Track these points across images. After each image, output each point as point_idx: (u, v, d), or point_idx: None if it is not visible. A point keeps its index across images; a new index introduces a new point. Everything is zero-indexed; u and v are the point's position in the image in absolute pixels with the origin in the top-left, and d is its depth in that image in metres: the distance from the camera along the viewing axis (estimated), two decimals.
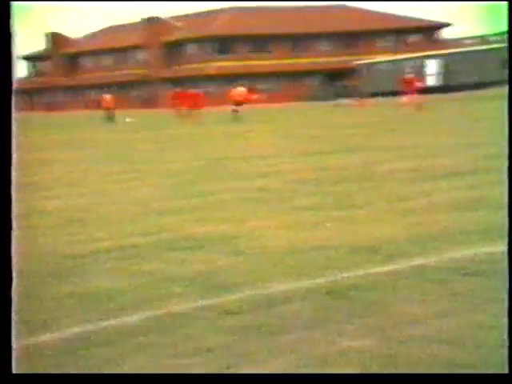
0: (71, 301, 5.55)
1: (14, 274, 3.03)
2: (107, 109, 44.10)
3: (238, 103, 36.36)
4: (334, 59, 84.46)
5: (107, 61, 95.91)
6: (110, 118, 42.30)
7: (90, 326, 4.90)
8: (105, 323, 4.97)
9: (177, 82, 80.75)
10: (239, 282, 5.78)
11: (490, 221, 7.54)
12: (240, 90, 38.37)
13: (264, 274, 6.03)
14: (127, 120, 41.67)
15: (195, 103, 39.94)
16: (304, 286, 5.60)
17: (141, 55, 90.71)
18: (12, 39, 3.19)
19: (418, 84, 35.48)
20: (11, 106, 3.17)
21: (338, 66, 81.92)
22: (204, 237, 7.61)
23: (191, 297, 5.45)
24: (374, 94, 62.44)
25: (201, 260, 6.63)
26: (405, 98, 35.14)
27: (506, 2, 3.49)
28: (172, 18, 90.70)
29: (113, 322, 5.00)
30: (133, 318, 5.04)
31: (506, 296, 4.97)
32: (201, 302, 5.30)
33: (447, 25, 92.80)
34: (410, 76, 36.96)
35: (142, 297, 5.54)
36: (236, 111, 35.57)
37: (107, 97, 46.01)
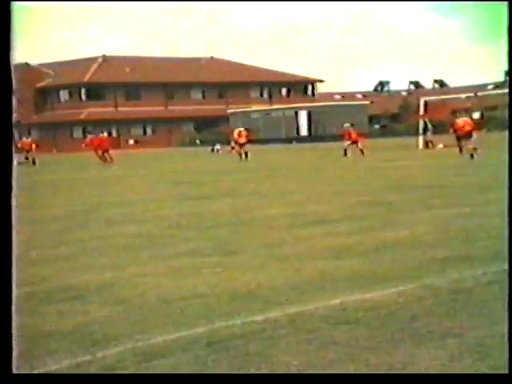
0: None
1: None
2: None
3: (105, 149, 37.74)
4: (207, 107, 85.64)
5: None
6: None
7: None
8: None
9: (47, 127, 79.44)
10: (118, 335, 5.66)
11: (363, 268, 7.76)
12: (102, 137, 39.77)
13: (144, 324, 5.94)
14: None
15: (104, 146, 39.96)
16: (184, 337, 5.54)
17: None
18: (12, 39, 3.13)
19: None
20: (11, 110, 3.10)
21: (211, 114, 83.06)
22: (82, 286, 7.44)
23: (68, 353, 5.29)
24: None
25: (79, 311, 6.46)
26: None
27: (506, 2, 3.54)
28: (42, 64, 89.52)
29: None
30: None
31: (383, 345, 5.13)
32: (78, 359, 5.15)
33: (319, 80, 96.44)
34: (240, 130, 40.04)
35: (17, 356, 5.32)
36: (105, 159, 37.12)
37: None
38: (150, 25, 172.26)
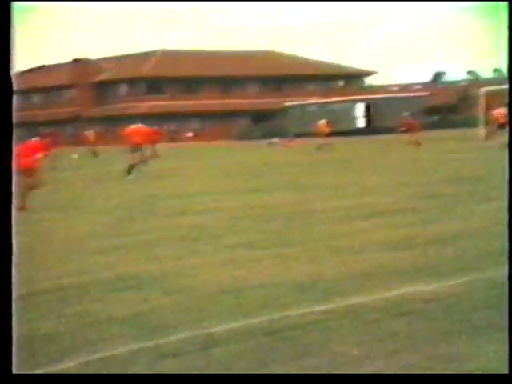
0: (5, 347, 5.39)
1: None
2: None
3: (136, 144, 25.49)
4: (264, 101, 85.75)
5: (37, 99, 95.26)
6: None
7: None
8: (41, 370, 4.86)
9: (107, 120, 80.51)
10: (177, 323, 5.73)
11: (424, 259, 7.71)
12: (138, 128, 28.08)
13: (202, 313, 6.00)
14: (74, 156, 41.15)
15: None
16: (242, 326, 5.58)
17: (71, 94, 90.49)
18: (12, 39, 3.17)
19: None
20: (12, 109, 3.15)
21: (268, 107, 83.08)
22: (142, 276, 7.55)
23: (129, 339, 5.39)
24: (303, 135, 63.33)
25: (138, 300, 6.56)
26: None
27: (506, 2, 3.52)
28: (102, 59, 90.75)
29: (51, 368, 4.89)
30: (70, 364, 4.94)
31: (442, 337, 5.09)
32: (139, 345, 5.24)
33: (374, 72, 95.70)
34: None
35: (80, 340, 5.45)
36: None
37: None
38: (208, 19, 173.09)
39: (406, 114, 38.17)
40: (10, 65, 3.20)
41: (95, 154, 41.17)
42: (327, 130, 37.33)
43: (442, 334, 5.16)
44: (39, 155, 16.18)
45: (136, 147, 23.65)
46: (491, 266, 7.17)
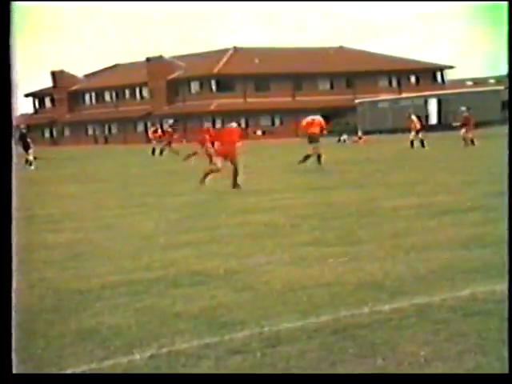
0: (76, 338, 5.51)
1: (15, 311, 2.98)
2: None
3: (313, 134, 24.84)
4: (334, 98, 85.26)
5: (110, 97, 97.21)
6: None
7: (93, 365, 4.86)
8: (111, 362, 4.93)
9: (179, 118, 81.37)
10: (244, 320, 5.75)
11: (492, 259, 7.53)
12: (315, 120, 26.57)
13: (269, 311, 6.00)
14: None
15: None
16: (310, 324, 5.56)
17: (144, 92, 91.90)
18: (12, 39, 3.19)
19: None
20: (11, 109, 3.16)
21: (338, 104, 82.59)
22: (209, 272, 7.59)
23: (197, 334, 5.42)
24: (374, 132, 62.88)
25: (206, 296, 6.60)
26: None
27: (506, 2, 3.46)
28: (175, 57, 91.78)
29: (119, 360, 4.96)
30: (139, 356, 5.00)
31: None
32: (206, 340, 5.27)
33: (449, 67, 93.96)
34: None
35: (148, 334, 5.51)
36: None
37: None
38: (278, 17, 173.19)
39: (463, 108, 36.61)
40: (10, 65, 3.22)
41: (175, 151, 40.97)
42: (418, 126, 36.21)
43: None
44: (239, 143, 18.20)
45: (313, 138, 23.96)
46: None
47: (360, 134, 55.24)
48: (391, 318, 5.64)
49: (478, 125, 52.14)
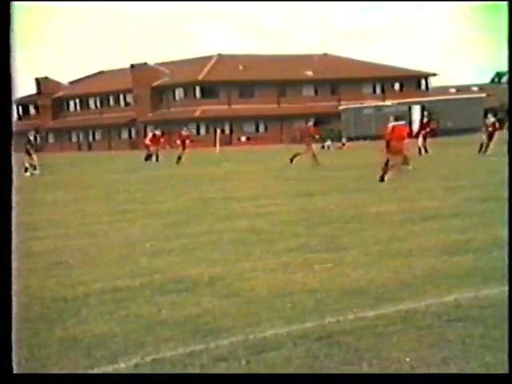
0: (61, 347, 5.48)
1: None
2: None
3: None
4: (319, 104, 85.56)
5: (95, 104, 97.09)
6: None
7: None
8: (95, 370, 4.91)
9: (163, 124, 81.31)
10: (229, 327, 5.74)
11: (479, 264, 7.57)
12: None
13: (254, 317, 6.00)
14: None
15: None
16: (295, 331, 5.56)
17: (128, 99, 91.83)
18: (12, 39, 3.17)
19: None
20: (11, 109, 3.16)
21: (323, 111, 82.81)
22: (194, 279, 7.59)
23: (182, 342, 5.41)
24: (358, 138, 63.13)
25: (191, 303, 6.59)
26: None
27: (506, 2, 3.47)
28: (160, 64, 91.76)
29: (103, 369, 4.94)
30: (124, 365, 4.98)
31: (499, 344, 4.99)
32: (191, 348, 5.26)
33: (432, 74, 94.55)
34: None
35: (133, 342, 5.49)
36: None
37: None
38: (262, 23, 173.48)
39: (425, 114, 36.13)
40: (11, 65, 3.21)
41: (156, 158, 41.00)
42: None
43: (499, 341, 5.06)
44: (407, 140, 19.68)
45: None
46: None
47: (344, 140, 55.45)
48: (376, 324, 5.66)
49: (461, 132, 52.50)
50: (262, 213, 13.28)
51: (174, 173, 28.81)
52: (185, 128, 45.71)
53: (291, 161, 29.42)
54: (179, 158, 37.50)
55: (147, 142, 42.85)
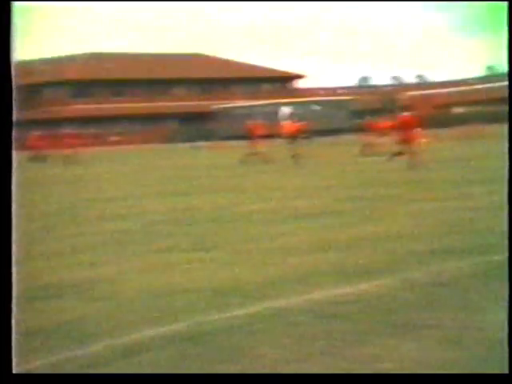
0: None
1: None
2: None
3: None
4: (191, 103, 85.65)
5: None
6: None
7: None
8: None
9: (34, 124, 79.07)
10: (97, 331, 5.66)
11: (345, 261, 7.81)
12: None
13: (123, 320, 5.94)
14: None
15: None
16: (165, 332, 5.56)
17: None
18: (12, 39, 3.13)
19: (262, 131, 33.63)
20: (12, 109, 3.10)
21: (195, 110, 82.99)
22: (62, 284, 7.44)
23: (48, 350, 5.28)
24: (230, 138, 63.60)
25: (59, 308, 6.47)
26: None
27: (506, 2, 3.54)
28: (28, 62, 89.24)
29: None
30: None
31: (362, 338, 5.17)
32: (59, 356, 5.15)
33: (301, 76, 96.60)
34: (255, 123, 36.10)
35: None
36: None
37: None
38: (134, 22, 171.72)
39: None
40: (11, 65, 3.16)
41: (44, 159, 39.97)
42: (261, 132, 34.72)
43: (362, 335, 5.23)
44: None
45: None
46: (412, 268, 7.30)
47: (217, 140, 55.71)
48: (246, 322, 5.73)
49: (327, 132, 53.89)
50: (130, 213, 13.15)
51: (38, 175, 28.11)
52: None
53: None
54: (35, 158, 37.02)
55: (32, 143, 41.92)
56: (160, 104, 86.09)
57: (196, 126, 79.64)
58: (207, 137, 61.77)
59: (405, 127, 22.19)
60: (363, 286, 6.63)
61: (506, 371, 3.45)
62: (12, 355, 3.09)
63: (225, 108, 76.94)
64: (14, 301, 4.67)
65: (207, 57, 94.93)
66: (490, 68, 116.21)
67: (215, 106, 78.53)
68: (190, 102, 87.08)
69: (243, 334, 5.44)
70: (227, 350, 5.10)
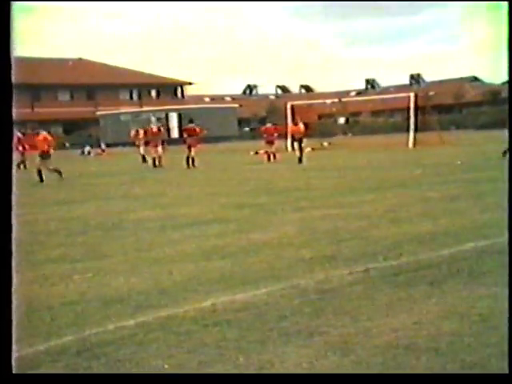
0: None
1: None
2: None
3: None
4: (75, 109, 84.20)
5: None
6: None
7: None
8: None
9: None
10: None
11: (235, 269, 7.87)
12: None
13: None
14: None
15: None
16: (53, 347, 5.44)
17: None
18: (12, 39, 3.03)
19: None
20: (11, 109, 3.00)
21: (80, 116, 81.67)
22: None
23: None
24: (117, 144, 62.88)
25: None
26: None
27: (506, 2, 3.55)
28: None
29: None
30: None
31: (253, 345, 5.22)
32: None
33: (188, 83, 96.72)
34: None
35: None
36: None
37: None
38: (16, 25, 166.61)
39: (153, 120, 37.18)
40: (11, 65, 3.06)
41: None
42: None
43: (253, 342, 5.29)
44: None
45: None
46: (300, 275, 7.43)
47: (103, 146, 55.00)
48: (136, 332, 5.69)
49: (216, 139, 54.26)
50: (16, 223, 12.79)
51: None
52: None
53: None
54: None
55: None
56: (44, 110, 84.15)
57: (81, 132, 78.27)
58: (93, 143, 60.80)
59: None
60: (252, 293, 6.70)
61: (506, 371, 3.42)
62: (12, 355, 3.00)
63: (110, 114, 76.01)
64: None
65: (91, 62, 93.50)
66: (368, 81, 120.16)
67: (100, 113, 77.50)
68: (74, 108, 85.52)
69: (134, 344, 5.40)
70: (116, 361, 5.04)
